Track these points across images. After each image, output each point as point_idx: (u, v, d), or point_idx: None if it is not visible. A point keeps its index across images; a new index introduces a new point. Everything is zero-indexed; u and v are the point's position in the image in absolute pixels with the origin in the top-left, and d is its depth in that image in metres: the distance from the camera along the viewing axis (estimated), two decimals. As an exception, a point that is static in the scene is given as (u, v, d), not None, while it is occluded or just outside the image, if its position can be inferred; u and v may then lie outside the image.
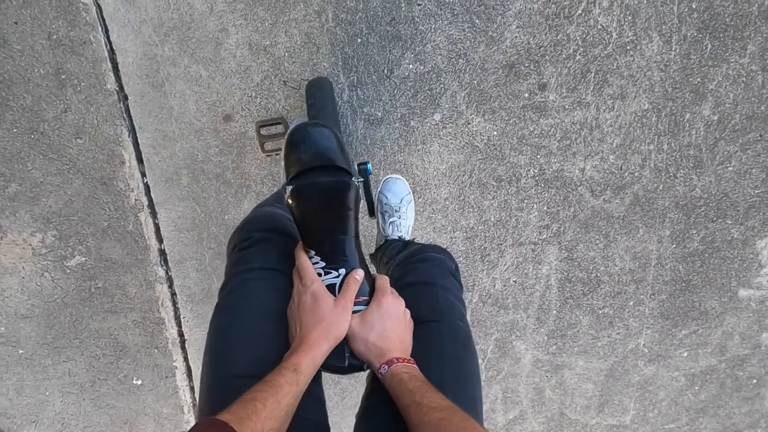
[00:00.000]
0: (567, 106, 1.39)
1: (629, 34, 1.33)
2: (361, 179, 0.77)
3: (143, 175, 1.42)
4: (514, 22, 1.31)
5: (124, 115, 1.36)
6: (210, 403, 0.67)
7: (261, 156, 1.37)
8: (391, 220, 1.33)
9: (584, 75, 1.36)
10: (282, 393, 0.59)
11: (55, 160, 1.38)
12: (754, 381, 1.83)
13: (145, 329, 1.59)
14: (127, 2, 1.26)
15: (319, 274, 0.73)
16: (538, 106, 1.39)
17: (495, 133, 1.41)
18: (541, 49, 1.34)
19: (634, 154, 1.45)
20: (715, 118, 1.43)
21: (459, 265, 1.56)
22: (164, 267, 1.53)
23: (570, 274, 1.60)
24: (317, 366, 0.67)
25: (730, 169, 1.49)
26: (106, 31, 1.28)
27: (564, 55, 1.34)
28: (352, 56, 1.33)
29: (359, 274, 0.73)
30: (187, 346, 1.64)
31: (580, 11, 1.31)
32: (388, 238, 1.31)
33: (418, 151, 1.43)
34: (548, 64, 1.35)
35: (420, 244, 1.12)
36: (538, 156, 1.44)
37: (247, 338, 0.70)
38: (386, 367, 0.68)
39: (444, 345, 0.75)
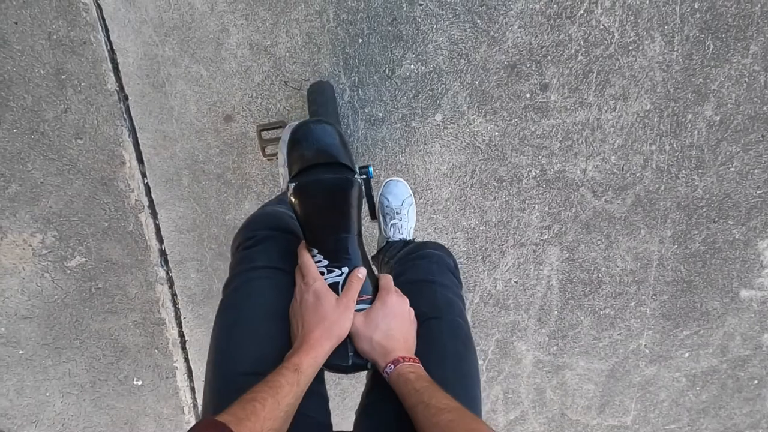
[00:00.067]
0: (569, 107, 1.39)
1: (631, 35, 1.33)
2: (363, 176, 0.76)
3: (144, 175, 1.42)
4: (515, 22, 1.31)
5: (125, 115, 1.35)
6: (213, 400, 0.67)
7: (262, 157, 1.37)
8: (392, 222, 1.32)
9: (586, 75, 1.36)
10: (282, 393, 0.59)
11: (55, 160, 1.37)
12: (756, 382, 1.83)
13: (145, 330, 1.59)
14: (127, 2, 1.25)
15: (322, 273, 0.72)
16: (539, 106, 1.39)
17: (496, 133, 1.41)
18: (543, 49, 1.33)
19: (635, 154, 1.45)
20: (717, 118, 1.42)
21: (460, 265, 1.57)
22: (165, 267, 1.52)
23: (571, 274, 1.60)
24: (319, 366, 0.67)
25: (732, 169, 1.49)
26: (107, 31, 1.27)
27: (566, 56, 1.34)
28: (353, 56, 1.32)
29: (362, 272, 0.72)
30: (187, 346, 1.64)
31: (582, 11, 1.30)
32: (390, 240, 1.31)
33: (420, 151, 1.42)
34: (550, 64, 1.35)
35: (419, 241, 1.12)
36: (540, 156, 1.44)
37: (251, 337, 0.70)
38: (392, 366, 0.67)
39: (445, 343, 0.75)
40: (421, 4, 1.28)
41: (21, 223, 1.43)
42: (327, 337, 0.67)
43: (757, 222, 1.56)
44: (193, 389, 1.71)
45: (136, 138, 1.37)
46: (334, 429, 0.74)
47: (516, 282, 1.60)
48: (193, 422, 1.74)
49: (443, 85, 1.36)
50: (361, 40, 1.31)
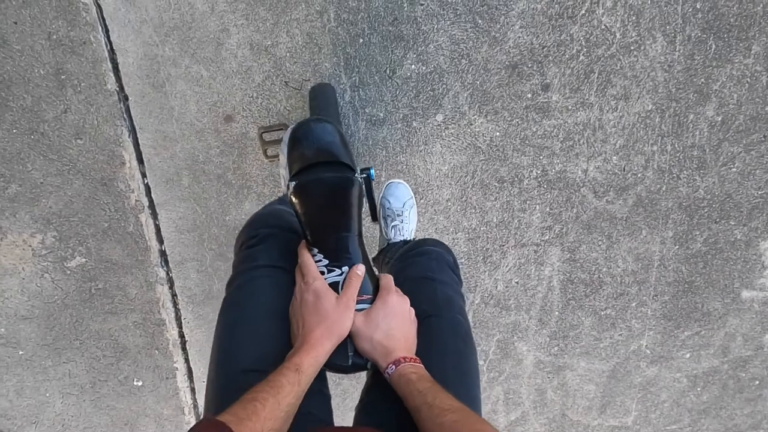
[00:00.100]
0: (570, 107, 1.38)
1: (633, 35, 1.32)
2: (364, 175, 0.76)
3: (144, 175, 1.41)
4: (517, 22, 1.30)
5: (125, 115, 1.35)
6: (215, 396, 0.68)
7: (262, 158, 1.36)
8: (393, 224, 1.32)
9: (587, 75, 1.36)
10: (283, 393, 0.59)
11: (55, 160, 1.37)
12: (757, 382, 1.82)
13: (145, 330, 1.59)
14: (127, 2, 1.25)
15: (322, 273, 0.72)
16: (541, 106, 1.38)
17: (498, 134, 1.41)
18: (545, 49, 1.33)
19: (637, 155, 1.45)
20: (719, 118, 1.42)
21: (461, 265, 1.56)
22: (165, 268, 1.52)
23: (572, 275, 1.59)
24: (320, 365, 0.67)
25: (734, 170, 1.48)
26: (107, 31, 1.27)
27: (567, 56, 1.34)
28: (354, 56, 1.32)
29: (360, 269, 0.72)
30: (188, 347, 1.63)
31: (583, 11, 1.30)
32: (391, 242, 1.31)
33: (421, 152, 1.42)
34: (551, 64, 1.34)
35: (419, 238, 1.11)
36: (541, 157, 1.43)
37: (252, 335, 0.71)
38: (393, 367, 0.67)
39: (445, 340, 0.75)
40: (422, 4, 1.28)
41: (21, 223, 1.43)
42: (328, 337, 0.67)
43: (758, 222, 1.56)
44: (193, 390, 1.70)
45: (136, 138, 1.37)
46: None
47: (517, 282, 1.59)
48: (193, 423, 1.74)
49: (444, 86, 1.35)
50: (362, 40, 1.31)
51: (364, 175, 0.77)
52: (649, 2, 1.30)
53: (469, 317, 1.63)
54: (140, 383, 1.66)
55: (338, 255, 0.72)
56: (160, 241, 1.49)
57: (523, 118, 1.39)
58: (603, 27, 1.31)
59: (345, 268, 0.72)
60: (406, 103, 1.37)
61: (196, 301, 1.57)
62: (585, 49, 1.33)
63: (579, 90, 1.37)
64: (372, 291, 0.74)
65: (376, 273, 0.79)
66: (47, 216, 1.43)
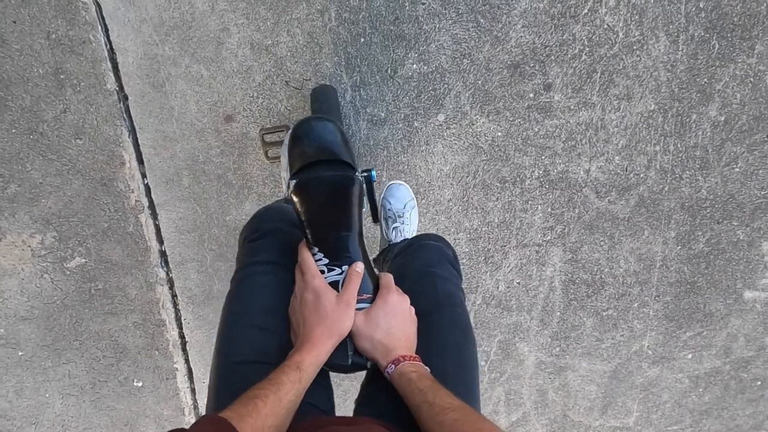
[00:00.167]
0: (572, 107, 1.38)
1: (636, 34, 1.31)
2: (365, 174, 0.76)
3: (144, 176, 1.41)
4: (519, 21, 1.29)
5: (124, 115, 1.34)
6: (215, 388, 0.70)
7: (263, 158, 1.36)
8: (394, 225, 1.31)
9: (590, 75, 1.35)
10: (284, 391, 0.59)
11: (54, 160, 1.36)
12: (759, 383, 1.82)
13: (145, 331, 1.58)
14: (127, 1, 1.24)
15: (322, 272, 0.72)
16: (543, 106, 1.37)
17: (499, 133, 1.40)
18: (547, 48, 1.32)
19: (639, 155, 1.44)
20: (722, 118, 1.41)
21: (462, 266, 1.55)
22: (165, 268, 1.51)
23: (574, 275, 1.59)
24: (321, 364, 0.67)
25: (737, 170, 1.48)
26: (106, 30, 1.26)
27: (569, 55, 1.33)
28: (355, 56, 1.31)
29: (360, 267, 0.72)
30: (188, 347, 1.63)
31: (586, 10, 1.29)
32: (392, 243, 1.30)
33: (422, 152, 1.41)
34: (553, 64, 1.33)
35: (419, 234, 1.12)
36: (543, 157, 1.43)
37: (253, 329, 0.72)
38: (393, 366, 0.68)
39: (445, 334, 0.76)
40: (423, 3, 1.27)
41: (20, 223, 1.42)
42: (328, 336, 0.67)
43: (761, 223, 1.55)
44: (193, 391, 1.70)
45: (136, 138, 1.36)
46: None
47: (518, 283, 1.59)
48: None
49: (446, 85, 1.35)
50: (363, 40, 1.30)
51: (366, 174, 0.77)
52: (652, 1, 1.29)
53: (471, 318, 1.62)
54: (140, 384, 1.66)
55: (338, 254, 0.72)
56: (160, 241, 1.48)
57: (525, 118, 1.38)
58: (606, 26, 1.31)
59: (345, 267, 0.72)
60: (407, 103, 1.36)
61: (197, 301, 1.56)
62: (587, 49, 1.32)
63: (581, 90, 1.36)
64: (372, 290, 0.74)
65: (377, 273, 0.79)
66: (47, 216, 1.42)
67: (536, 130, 1.40)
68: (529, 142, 1.41)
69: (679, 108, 1.39)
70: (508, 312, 1.62)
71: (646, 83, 1.36)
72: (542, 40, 1.31)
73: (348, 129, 1.38)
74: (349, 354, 0.71)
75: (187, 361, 1.65)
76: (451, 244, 0.93)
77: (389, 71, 1.33)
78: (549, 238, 1.53)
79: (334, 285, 0.71)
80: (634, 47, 1.33)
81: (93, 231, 1.45)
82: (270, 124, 1.36)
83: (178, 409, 1.71)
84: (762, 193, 1.51)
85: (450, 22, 1.29)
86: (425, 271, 0.83)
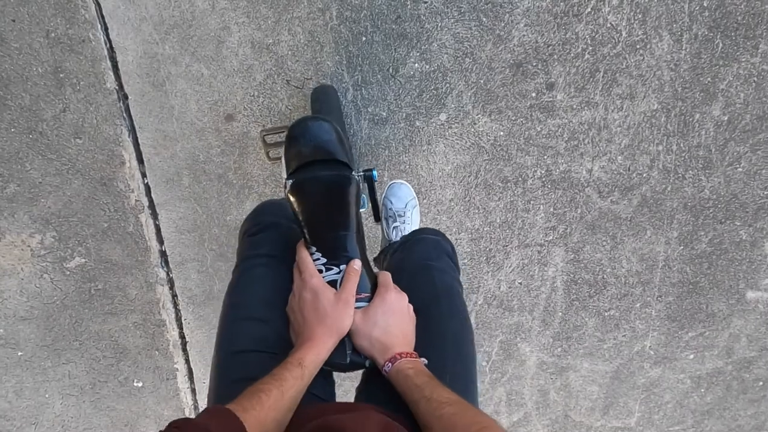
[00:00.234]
0: (575, 106, 1.37)
1: (639, 33, 1.31)
2: (366, 173, 0.77)
3: (144, 175, 1.40)
4: (522, 20, 1.28)
5: (124, 114, 1.33)
6: (215, 377, 0.72)
7: (263, 157, 1.35)
8: (395, 225, 1.31)
9: (593, 74, 1.34)
10: (286, 386, 0.60)
11: (54, 160, 1.35)
12: (761, 383, 1.82)
13: (145, 331, 1.57)
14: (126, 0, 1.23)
15: (320, 271, 0.72)
16: (545, 105, 1.37)
17: (501, 133, 1.39)
18: (549, 47, 1.31)
19: (642, 154, 1.43)
20: (725, 118, 1.40)
21: (464, 266, 1.55)
22: (165, 268, 1.51)
23: (576, 275, 1.58)
24: (322, 361, 0.68)
25: (740, 170, 1.47)
26: (106, 29, 1.25)
27: (572, 54, 1.32)
28: (356, 55, 1.30)
29: (357, 264, 0.72)
30: (188, 348, 1.62)
31: (589, 9, 1.28)
32: (392, 242, 1.30)
33: (423, 151, 1.40)
34: (556, 63, 1.33)
35: (417, 228, 1.12)
36: (545, 156, 1.42)
37: (252, 320, 0.74)
38: (390, 364, 0.68)
39: (443, 324, 0.77)
40: (425, 2, 1.26)
41: (19, 223, 1.41)
42: (329, 335, 0.68)
43: (764, 223, 1.54)
44: (194, 391, 1.69)
45: (136, 137, 1.35)
46: None
47: (520, 283, 1.58)
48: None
49: (448, 84, 1.34)
50: (364, 39, 1.29)
51: (367, 174, 0.77)
52: (656, 0, 1.28)
53: (472, 318, 1.62)
54: (140, 384, 1.65)
55: (336, 253, 0.72)
56: (161, 241, 1.47)
57: (528, 118, 1.38)
58: (609, 25, 1.30)
59: (343, 266, 0.72)
60: (409, 102, 1.35)
61: (197, 301, 1.56)
62: (590, 48, 1.32)
63: (584, 89, 1.35)
64: (370, 289, 0.74)
65: (375, 271, 0.79)
66: (46, 216, 1.41)
67: (539, 129, 1.39)
68: (531, 141, 1.40)
69: (683, 107, 1.39)
70: (510, 312, 1.62)
71: (650, 82, 1.35)
72: (545, 39, 1.30)
73: (349, 128, 1.37)
74: (347, 353, 0.72)
75: (187, 361, 1.64)
76: (449, 238, 0.94)
77: (391, 70, 1.32)
78: (551, 238, 1.52)
79: (332, 284, 0.72)
80: (638, 46, 1.32)
81: (93, 231, 1.44)
82: (271, 123, 1.35)
83: (178, 409, 1.71)
84: (765, 193, 1.50)
85: (452, 20, 1.28)
86: (423, 264, 0.84)
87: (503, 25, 1.29)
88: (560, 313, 1.63)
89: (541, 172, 1.44)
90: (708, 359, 1.75)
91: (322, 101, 1.21)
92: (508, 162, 1.42)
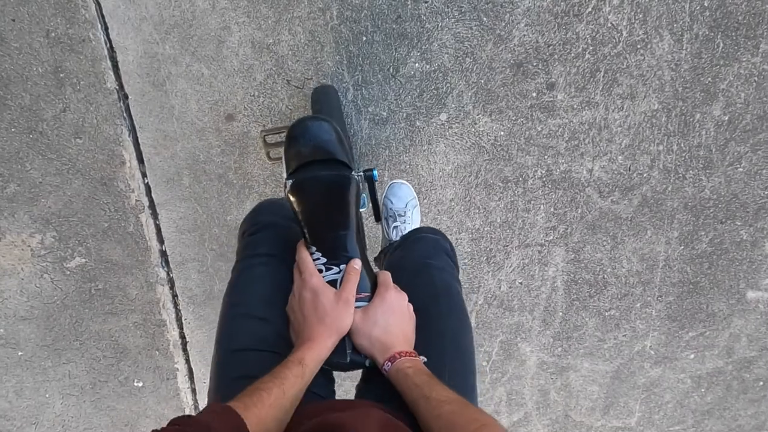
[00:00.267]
0: (575, 106, 1.37)
1: (640, 33, 1.31)
2: (367, 172, 0.77)
3: (144, 175, 1.40)
4: (522, 20, 1.28)
5: (125, 114, 1.33)
6: (214, 375, 0.73)
7: (264, 157, 1.35)
8: (395, 224, 1.31)
9: (593, 74, 1.34)
10: (288, 384, 0.61)
11: (54, 160, 1.35)
12: (761, 383, 1.82)
13: (146, 331, 1.57)
14: (127, -1, 1.23)
15: (320, 271, 0.72)
16: (546, 105, 1.37)
17: (502, 133, 1.39)
18: (550, 47, 1.31)
19: (643, 154, 1.43)
20: (726, 118, 1.40)
21: (464, 266, 1.54)
22: (165, 268, 1.51)
23: (576, 275, 1.58)
24: (322, 360, 0.69)
25: (740, 170, 1.47)
26: (106, 28, 1.25)
27: (573, 54, 1.32)
28: (356, 55, 1.30)
29: (357, 264, 0.72)
30: (188, 348, 1.62)
31: (590, 9, 1.28)
32: (392, 242, 1.30)
33: (424, 151, 1.40)
34: (557, 63, 1.32)
35: (416, 227, 1.13)
36: (546, 156, 1.42)
37: (251, 319, 0.74)
38: (390, 363, 0.69)
39: (443, 322, 0.77)
40: (426, 2, 1.26)
41: (20, 223, 1.41)
42: (329, 334, 0.69)
43: (764, 223, 1.54)
44: (194, 391, 1.69)
45: (136, 137, 1.35)
46: None
47: (521, 283, 1.58)
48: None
49: (448, 84, 1.34)
50: (365, 38, 1.29)
51: (368, 174, 0.77)
52: (657, 0, 1.28)
53: (473, 318, 1.62)
54: (141, 384, 1.65)
55: (336, 253, 0.73)
56: (161, 241, 1.47)
57: (528, 118, 1.38)
58: (609, 25, 1.30)
59: (343, 266, 0.73)
60: (409, 102, 1.35)
61: (197, 301, 1.55)
62: (591, 48, 1.32)
63: (584, 89, 1.35)
64: (370, 288, 0.75)
65: (375, 271, 0.79)
66: (46, 216, 1.41)
67: (539, 129, 1.39)
68: (531, 141, 1.40)
69: (683, 107, 1.39)
70: (510, 312, 1.62)
71: (650, 82, 1.35)
72: (545, 39, 1.30)
73: (350, 128, 1.37)
74: (347, 352, 0.72)
75: (187, 361, 1.64)
76: (449, 237, 0.94)
77: (391, 70, 1.32)
78: (551, 238, 1.52)
79: (333, 283, 0.72)
80: (638, 46, 1.32)
81: (93, 231, 1.44)
82: (271, 123, 1.35)
83: (178, 409, 1.71)
84: (766, 192, 1.50)
85: (453, 20, 1.28)
86: (422, 262, 0.85)
87: (504, 24, 1.29)
88: (561, 313, 1.63)
89: (541, 172, 1.44)
90: (708, 359, 1.75)
91: (323, 101, 1.21)
92: (509, 162, 1.42)
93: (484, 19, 1.28)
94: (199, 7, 1.24)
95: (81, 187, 1.39)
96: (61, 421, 1.68)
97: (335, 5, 1.25)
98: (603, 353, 1.70)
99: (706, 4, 1.29)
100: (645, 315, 1.65)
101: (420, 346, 0.73)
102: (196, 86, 1.31)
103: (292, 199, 0.72)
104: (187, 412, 1.71)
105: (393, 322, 0.71)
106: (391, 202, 1.35)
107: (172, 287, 1.53)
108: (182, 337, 1.61)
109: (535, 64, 1.32)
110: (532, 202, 1.47)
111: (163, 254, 1.49)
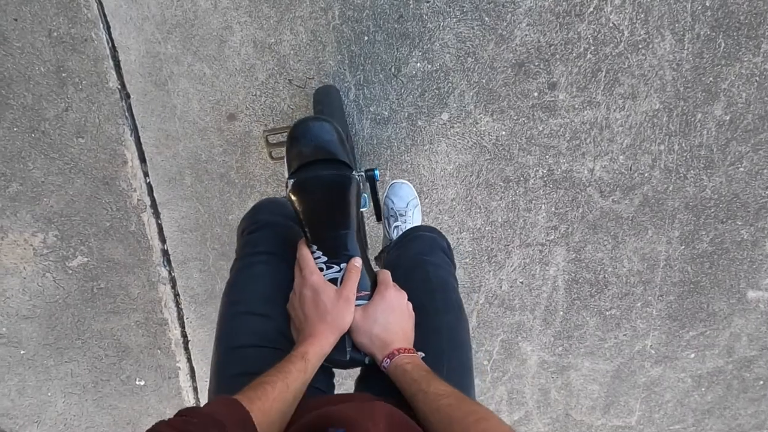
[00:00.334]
0: (577, 106, 1.37)
1: (641, 33, 1.31)
2: (368, 172, 0.78)
3: (146, 174, 1.40)
4: (524, 19, 1.28)
5: (127, 113, 1.33)
6: (215, 372, 0.73)
7: (266, 157, 1.35)
8: (396, 224, 1.31)
9: (595, 74, 1.34)
10: (291, 378, 0.62)
11: (56, 159, 1.36)
12: (761, 382, 1.82)
13: (148, 330, 1.58)
14: (129, -1, 1.23)
15: (321, 269, 0.73)
16: (547, 105, 1.37)
17: (503, 132, 1.39)
18: (552, 47, 1.31)
19: (644, 154, 1.43)
20: (727, 118, 1.40)
21: (465, 266, 1.55)
22: (167, 268, 1.51)
23: (577, 275, 1.58)
24: (324, 355, 0.69)
25: (741, 169, 1.47)
26: (108, 28, 1.25)
27: (574, 54, 1.32)
28: (358, 54, 1.30)
29: (358, 262, 0.73)
30: (190, 347, 1.63)
31: (591, 9, 1.28)
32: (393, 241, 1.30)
33: (425, 151, 1.40)
34: (558, 62, 1.33)
35: (414, 225, 1.14)
36: (547, 156, 1.42)
37: (251, 316, 0.75)
38: (388, 360, 0.69)
39: (439, 317, 0.78)
40: (428, 1, 1.26)
41: (22, 222, 1.41)
42: (330, 331, 0.69)
43: (765, 222, 1.54)
44: (195, 389, 1.70)
45: (138, 137, 1.36)
46: None
47: (521, 282, 1.58)
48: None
49: (450, 84, 1.34)
50: (366, 38, 1.29)
51: (369, 174, 0.78)
52: (658, 0, 1.28)
53: (473, 317, 1.63)
54: (142, 383, 1.65)
55: (337, 252, 0.73)
56: (163, 240, 1.48)
57: (530, 117, 1.38)
58: (611, 25, 1.30)
59: (343, 265, 0.73)
60: (411, 102, 1.35)
61: (199, 300, 1.56)
62: (592, 47, 1.32)
63: (586, 89, 1.35)
64: (370, 287, 0.75)
65: (375, 270, 0.80)
66: (49, 215, 1.41)
67: (540, 129, 1.39)
68: (533, 141, 1.40)
69: (684, 107, 1.39)
70: (511, 311, 1.62)
71: (652, 82, 1.35)
72: (547, 39, 1.30)
73: (351, 128, 1.37)
74: (347, 350, 0.73)
75: (189, 360, 1.65)
76: (449, 236, 0.94)
77: (393, 70, 1.32)
78: (552, 237, 1.52)
79: (333, 282, 0.73)
80: (640, 46, 1.32)
81: (95, 230, 1.44)
82: (273, 122, 1.36)
83: (180, 407, 1.71)
84: (766, 192, 1.50)
85: (454, 20, 1.28)
86: (418, 259, 0.86)
87: (506, 24, 1.29)
88: (561, 312, 1.64)
89: (542, 172, 1.44)
90: (709, 358, 1.75)
91: (325, 101, 1.21)
92: (510, 161, 1.42)
93: (486, 18, 1.28)
94: (201, 7, 1.24)
95: (83, 187, 1.39)
96: (63, 419, 1.69)
97: (337, 5, 1.25)
98: (604, 352, 1.71)
99: (707, 4, 1.29)
100: (646, 314, 1.65)
101: (417, 343, 0.74)
102: (198, 86, 1.31)
103: (293, 198, 0.73)
104: (188, 411, 1.72)
105: (393, 320, 0.72)
106: (393, 202, 1.35)
107: (173, 286, 1.54)
108: (184, 335, 1.61)
109: (536, 63, 1.33)
110: (534, 201, 1.47)
111: (165, 253, 1.49)
